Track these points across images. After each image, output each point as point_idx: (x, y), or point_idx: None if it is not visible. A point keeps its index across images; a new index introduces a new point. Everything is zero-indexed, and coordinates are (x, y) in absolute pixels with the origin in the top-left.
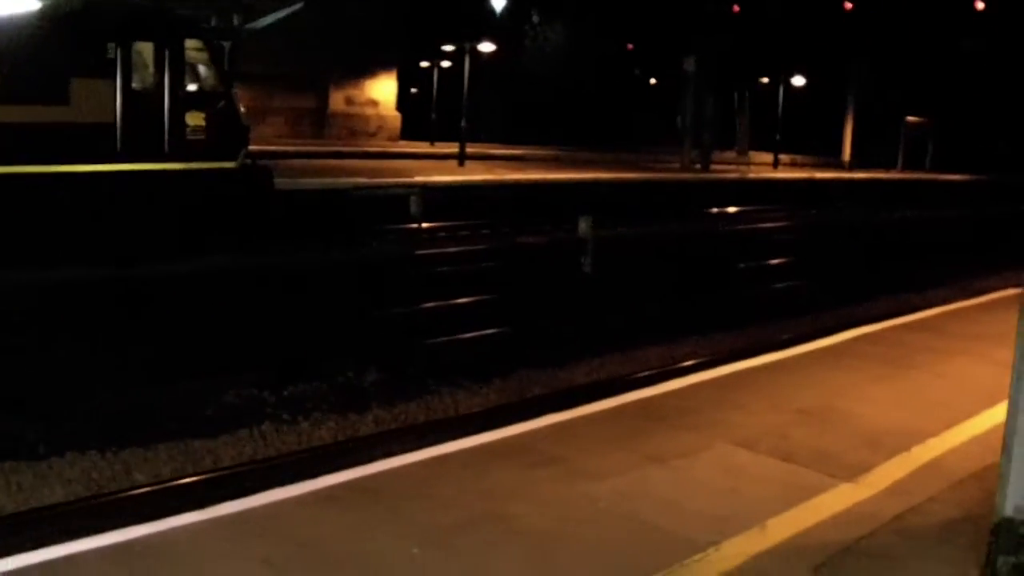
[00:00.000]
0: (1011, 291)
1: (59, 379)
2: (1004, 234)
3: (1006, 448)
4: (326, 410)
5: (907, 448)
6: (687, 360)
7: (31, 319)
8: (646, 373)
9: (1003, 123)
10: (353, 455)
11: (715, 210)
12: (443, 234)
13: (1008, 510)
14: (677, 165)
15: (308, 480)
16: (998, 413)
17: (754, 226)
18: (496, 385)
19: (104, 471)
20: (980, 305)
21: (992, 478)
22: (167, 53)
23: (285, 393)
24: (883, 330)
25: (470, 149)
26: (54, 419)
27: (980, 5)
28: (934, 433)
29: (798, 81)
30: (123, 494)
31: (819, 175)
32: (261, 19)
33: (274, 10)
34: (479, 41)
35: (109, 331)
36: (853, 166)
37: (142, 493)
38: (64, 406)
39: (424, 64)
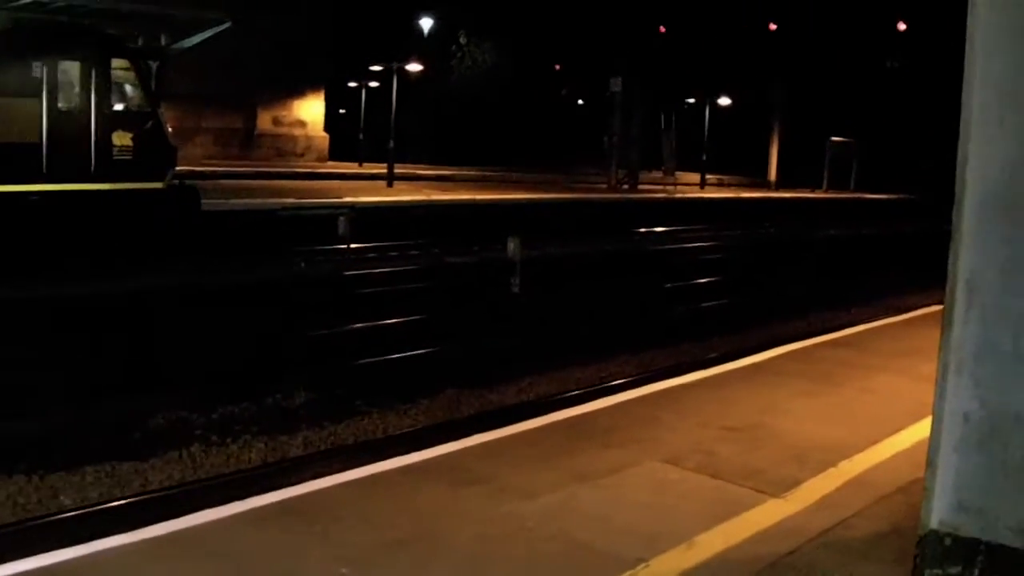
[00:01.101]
0: (934, 308)
1: None
2: (926, 251)
3: (930, 462)
4: (255, 432)
5: (834, 463)
6: (616, 379)
7: None
8: (575, 392)
9: (925, 141)
10: (283, 477)
11: (643, 230)
12: (372, 255)
13: (933, 523)
14: (604, 185)
15: (237, 501)
16: (923, 428)
17: (682, 245)
18: (425, 405)
19: (30, 495)
20: (905, 322)
21: (918, 492)
22: (94, 73)
23: (213, 415)
24: (809, 347)
25: (398, 170)
26: None
27: (901, 26)
28: (860, 448)
29: (724, 101)
30: (50, 518)
31: (746, 195)
32: (189, 38)
33: (202, 29)
34: (406, 61)
35: (34, 351)
36: (779, 186)
37: (69, 516)
38: None
39: (352, 84)
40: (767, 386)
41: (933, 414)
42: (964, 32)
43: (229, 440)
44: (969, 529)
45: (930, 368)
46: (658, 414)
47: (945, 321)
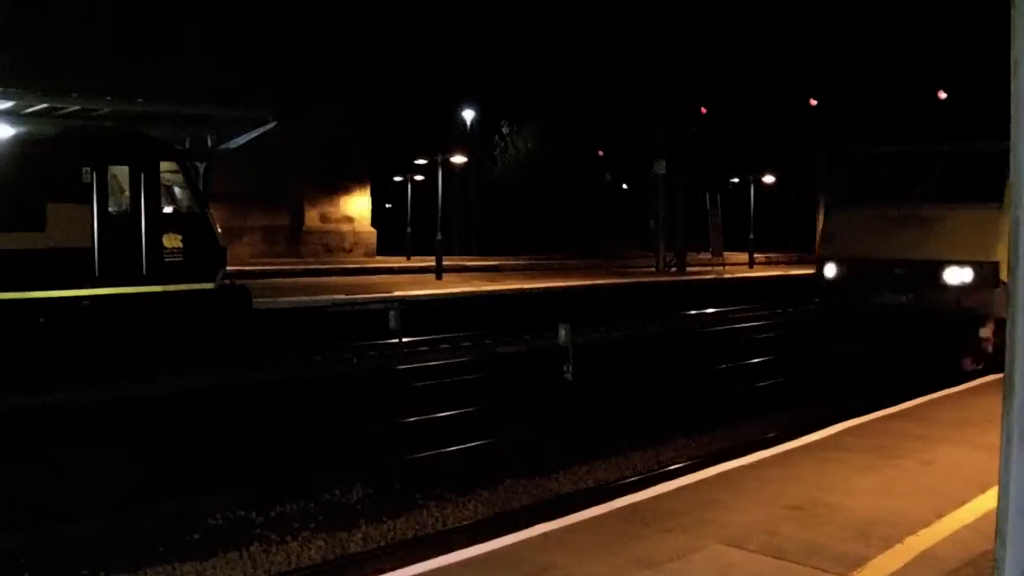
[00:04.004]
0: (994, 376)
1: (41, 504)
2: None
3: (999, 533)
4: (314, 529)
5: (899, 538)
6: (674, 462)
7: (8, 444)
8: (634, 478)
9: None
10: (343, 574)
11: (694, 312)
12: (423, 347)
13: None
14: (652, 268)
15: None
16: (989, 499)
17: (733, 326)
18: (483, 497)
19: None
20: (964, 391)
21: (987, 565)
22: (142, 176)
23: (272, 513)
24: (868, 422)
25: (446, 262)
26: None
27: (942, 95)
28: (926, 522)
29: (768, 179)
30: None
31: (795, 271)
32: (235, 139)
33: (247, 130)
34: (451, 153)
35: (91, 454)
36: None
37: None
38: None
39: (397, 179)
40: (828, 462)
41: (999, 483)
42: (1006, 96)
43: (288, 538)
44: None
45: (992, 437)
46: (718, 496)
47: (1006, 387)
